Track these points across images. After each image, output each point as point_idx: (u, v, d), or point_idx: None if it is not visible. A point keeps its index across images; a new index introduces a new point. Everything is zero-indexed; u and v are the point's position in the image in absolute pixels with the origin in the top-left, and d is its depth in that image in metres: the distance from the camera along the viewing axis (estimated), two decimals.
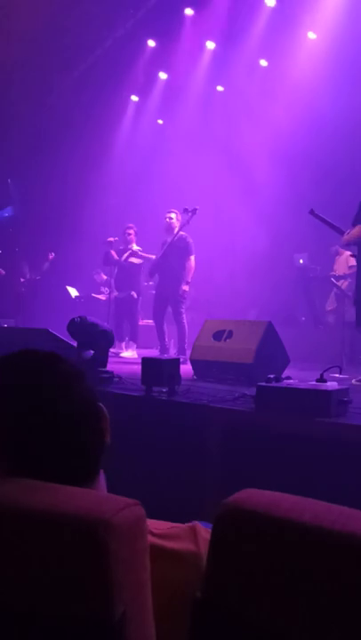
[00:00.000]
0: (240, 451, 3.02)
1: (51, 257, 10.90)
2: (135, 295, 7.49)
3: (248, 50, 9.12)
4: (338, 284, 7.53)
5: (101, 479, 0.97)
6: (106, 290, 9.15)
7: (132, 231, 7.62)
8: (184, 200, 7.16)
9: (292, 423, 2.90)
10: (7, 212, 13.25)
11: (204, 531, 0.92)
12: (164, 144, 10.26)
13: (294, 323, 8.39)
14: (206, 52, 9.98)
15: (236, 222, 8.92)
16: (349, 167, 8.00)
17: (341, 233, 4.98)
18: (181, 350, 6.44)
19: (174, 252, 6.66)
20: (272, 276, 8.80)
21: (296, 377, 3.38)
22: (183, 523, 0.97)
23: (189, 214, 6.64)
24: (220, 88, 10.20)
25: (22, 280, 11.09)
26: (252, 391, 3.24)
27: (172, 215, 6.88)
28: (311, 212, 5.20)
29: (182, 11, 9.45)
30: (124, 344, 7.43)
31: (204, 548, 0.88)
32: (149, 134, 10.88)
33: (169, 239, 6.79)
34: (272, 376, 3.15)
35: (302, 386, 3.01)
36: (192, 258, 6.68)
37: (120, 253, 7.60)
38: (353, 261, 6.06)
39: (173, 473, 3.21)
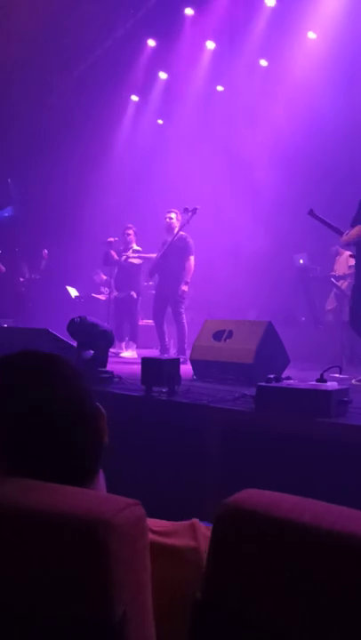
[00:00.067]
0: (240, 451, 3.02)
1: (45, 254, 10.90)
2: (135, 295, 7.48)
3: (248, 50, 9.13)
4: (338, 284, 7.54)
5: (101, 479, 0.97)
6: (106, 290, 9.15)
7: (131, 231, 7.62)
8: (184, 200, 7.15)
9: (292, 423, 2.90)
10: (7, 212, 13.26)
11: (204, 527, 0.93)
12: (163, 144, 10.25)
13: (294, 323, 8.39)
14: (206, 52, 9.98)
15: (236, 222, 8.91)
16: (349, 167, 8.00)
17: (340, 233, 4.98)
18: (181, 350, 6.43)
19: (174, 252, 6.65)
20: (272, 276, 8.79)
21: (296, 377, 3.39)
22: None
23: (189, 214, 6.62)
24: (220, 88, 10.20)
25: (22, 280, 11.09)
26: (252, 391, 3.24)
27: (173, 215, 6.87)
28: (310, 212, 5.19)
29: (182, 11, 9.46)
30: (123, 344, 7.42)
31: (203, 544, 0.88)
32: (149, 134, 10.88)
33: (169, 239, 6.78)
34: (272, 376, 3.15)
35: (302, 386, 3.01)
36: (192, 258, 6.67)
37: (120, 253, 7.60)
38: (353, 261, 6.05)
39: (173, 473, 3.21)
